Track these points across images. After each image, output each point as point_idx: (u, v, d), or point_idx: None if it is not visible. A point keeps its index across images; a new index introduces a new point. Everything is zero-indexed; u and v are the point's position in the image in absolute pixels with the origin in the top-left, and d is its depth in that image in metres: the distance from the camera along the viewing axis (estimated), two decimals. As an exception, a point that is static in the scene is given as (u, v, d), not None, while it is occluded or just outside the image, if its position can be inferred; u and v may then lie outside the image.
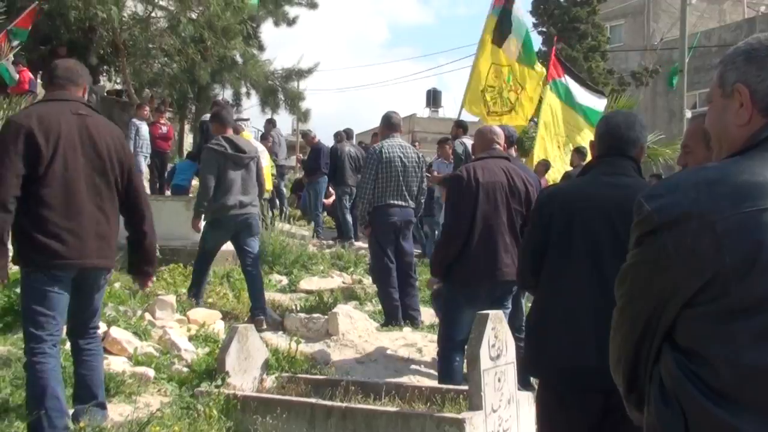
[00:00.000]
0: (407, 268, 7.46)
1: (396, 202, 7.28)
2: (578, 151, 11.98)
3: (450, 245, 5.15)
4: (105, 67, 18.69)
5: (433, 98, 39.88)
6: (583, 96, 12.64)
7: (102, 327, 5.58)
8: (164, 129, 13.45)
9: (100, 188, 4.12)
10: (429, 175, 9.44)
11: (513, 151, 6.47)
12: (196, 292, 7.20)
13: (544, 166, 11.60)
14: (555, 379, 3.01)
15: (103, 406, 4.25)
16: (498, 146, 5.39)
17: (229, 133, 7.18)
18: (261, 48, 20.03)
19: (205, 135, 10.64)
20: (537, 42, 32.77)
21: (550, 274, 3.10)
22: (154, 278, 5.19)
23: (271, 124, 15.37)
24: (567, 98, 12.39)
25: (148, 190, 12.85)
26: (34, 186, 3.86)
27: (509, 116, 10.89)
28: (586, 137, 11.90)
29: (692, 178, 1.53)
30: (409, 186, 7.36)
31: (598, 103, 12.81)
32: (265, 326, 6.89)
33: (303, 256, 9.82)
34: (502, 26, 10.93)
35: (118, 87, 19.27)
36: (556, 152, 12.23)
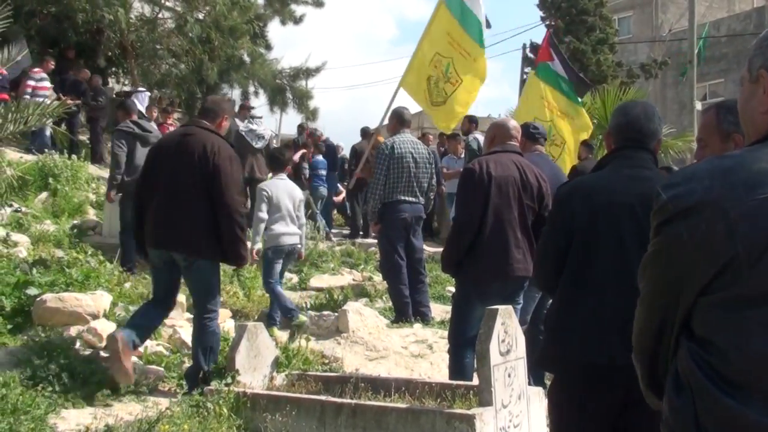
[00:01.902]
0: (417, 265, 7.44)
1: (406, 198, 7.25)
2: (586, 145, 11.95)
3: (461, 239, 5.09)
4: (113, 68, 18.74)
5: (442, 94, 39.79)
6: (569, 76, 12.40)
7: (111, 327, 5.61)
8: (171, 129, 13.46)
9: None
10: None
11: (541, 148, 6.33)
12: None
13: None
14: (576, 375, 2.96)
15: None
16: (515, 141, 5.28)
17: (134, 117, 8.45)
18: (268, 47, 20.03)
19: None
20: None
21: (573, 270, 3.03)
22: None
23: (302, 128, 14.88)
24: (556, 83, 12.16)
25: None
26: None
27: (442, 108, 10.74)
28: (569, 127, 11.88)
29: (708, 167, 1.53)
30: (420, 182, 7.33)
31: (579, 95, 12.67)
32: None
33: (313, 253, 9.82)
34: (455, 10, 10.65)
35: (127, 88, 19.31)
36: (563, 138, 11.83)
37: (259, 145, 11.53)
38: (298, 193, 7.42)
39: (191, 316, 6.59)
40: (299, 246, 7.41)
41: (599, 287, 2.92)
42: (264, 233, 7.14)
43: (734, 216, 1.42)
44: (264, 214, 7.09)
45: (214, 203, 5.10)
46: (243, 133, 11.61)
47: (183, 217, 5.09)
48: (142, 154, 7.66)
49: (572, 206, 3.06)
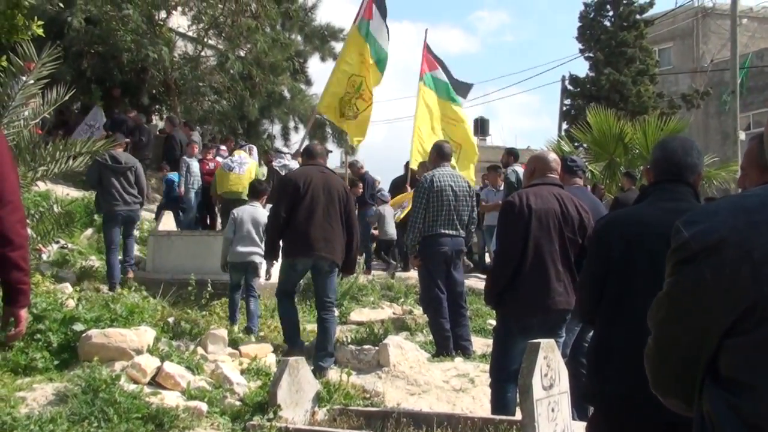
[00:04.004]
0: (458, 298, 7.40)
1: (447, 231, 7.23)
2: (628, 176, 11.90)
3: (502, 271, 5.08)
4: (157, 106, 19.13)
5: (481, 126, 39.82)
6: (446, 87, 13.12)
7: (155, 362, 5.66)
8: (211, 165, 13.64)
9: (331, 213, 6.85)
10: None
11: (579, 181, 6.30)
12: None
13: None
14: (615, 409, 2.93)
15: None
16: (554, 174, 5.24)
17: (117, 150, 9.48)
18: (308, 83, 20.35)
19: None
20: (584, 67, 32.72)
21: (610, 303, 3.03)
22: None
23: (355, 167, 14.76)
24: (441, 91, 12.86)
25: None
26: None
27: (354, 121, 11.73)
28: (460, 132, 12.84)
29: (731, 205, 1.50)
30: (460, 215, 7.32)
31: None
32: (132, 275, 9.36)
33: (353, 287, 9.83)
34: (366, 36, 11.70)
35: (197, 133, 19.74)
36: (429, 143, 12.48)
37: None
38: (261, 218, 8.18)
39: (233, 351, 6.64)
40: (257, 263, 8.23)
41: (636, 320, 2.89)
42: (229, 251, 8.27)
43: (758, 258, 1.39)
44: (230, 235, 8.28)
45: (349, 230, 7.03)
46: (277, 168, 12.43)
47: (336, 235, 6.88)
48: (116, 183, 9.35)
49: (609, 238, 3.07)
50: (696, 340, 1.51)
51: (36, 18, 7.95)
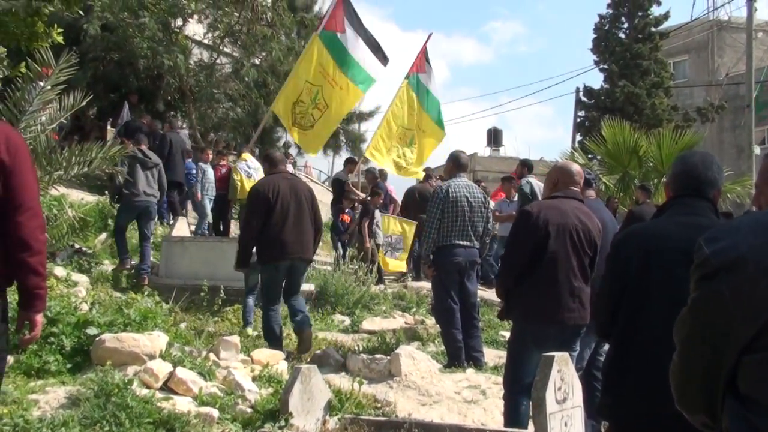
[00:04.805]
0: (471, 309, 7.37)
1: (461, 242, 7.22)
2: (643, 189, 11.84)
3: (506, 275, 5.09)
4: (172, 112, 19.22)
5: (494, 137, 39.87)
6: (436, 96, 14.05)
7: (167, 367, 5.67)
8: (224, 171, 13.71)
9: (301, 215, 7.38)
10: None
11: (592, 192, 6.26)
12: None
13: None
14: (631, 424, 2.91)
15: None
16: (577, 187, 5.18)
17: (142, 147, 10.39)
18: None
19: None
20: (598, 79, 32.74)
21: (627, 318, 3.01)
22: None
23: (372, 174, 14.74)
24: (421, 96, 13.67)
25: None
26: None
27: (310, 131, 11.98)
28: (427, 144, 13.90)
29: (751, 223, 1.50)
30: (475, 226, 7.30)
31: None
32: (146, 282, 9.58)
33: (365, 296, 9.82)
34: (331, 48, 11.96)
35: (185, 131, 19.79)
36: (395, 143, 13.46)
37: None
38: None
39: (245, 357, 6.65)
40: None
41: (652, 336, 2.89)
42: None
43: None
44: None
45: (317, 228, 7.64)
46: None
47: (308, 235, 7.44)
48: (142, 175, 10.09)
49: (626, 253, 3.06)
50: (717, 356, 1.51)
51: (55, 25, 7.99)
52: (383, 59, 12.47)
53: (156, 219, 11.10)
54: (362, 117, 19.40)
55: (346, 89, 12.04)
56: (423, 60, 13.96)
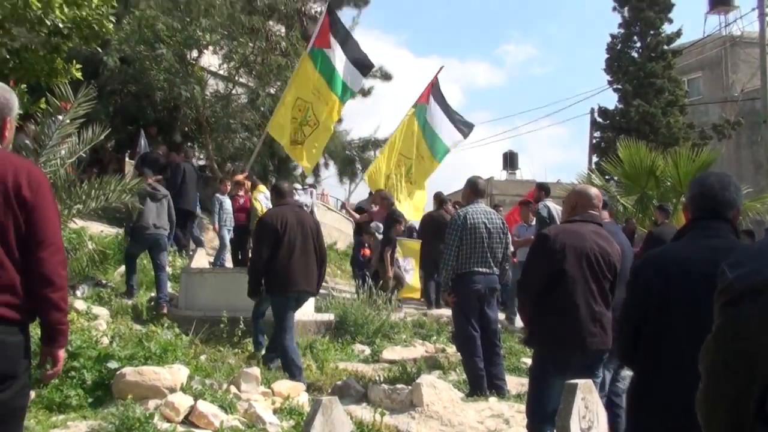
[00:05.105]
0: (492, 336, 7.32)
1: (480, 269, 7.19)
2: (661, 209, 11.78)
3: (523, 299, 5.07)
4: (189, 144, 19.34)
5: (510, 160, 39.83)
6: (443, 127, 14.31)
7: (188, 400, 5.66)
8: (242, 201, 13.77)
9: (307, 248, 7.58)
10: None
11: (607, 215, 6.21)
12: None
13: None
14: None
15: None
16: (596, 210, 5.12)
17: (150, 180, 10.69)
18: (338, 119, 20.43)
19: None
20: (613, 100, 32.73)
21: (650, 343, 2.98)
22: None
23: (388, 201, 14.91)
24: (424, 126, 14.04)
25: (230, 263, 13.15)
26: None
27: (300, 147, 12.45)
28: (426, 168, 14.30)
29: None
30: (493, 252, 7.28)
31: (454, 138, 14.59)
32: (165, 311, 9.68)
33: (385, 325, 9.77)
34: (320, 65, 12.40)
35: (202, 162, 19.90)
36: (393, 170, 13.84)
37: None
38: None
39: (266, 389, 6.63)
40: None
41: (676, 361, 2.86)
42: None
43: None
44: None
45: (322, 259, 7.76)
46: None
47: (313, 268, 7.60)
48: (152, 207, 10.33)
49: (646, 278, 3.04)
50: (744, 383, 1.48)
51: (74, 61, 8.09)
52: (365, 68, 12.99)
53: (168, 249, 11.17)
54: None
55: (332, 104, 12.51)
56: (432, 90, 14.20)
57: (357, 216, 13.97)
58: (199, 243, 13.75)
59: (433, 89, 14.36)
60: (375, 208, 14.03)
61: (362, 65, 12.88)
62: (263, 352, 8.05)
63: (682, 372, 2.79)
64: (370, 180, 13.99)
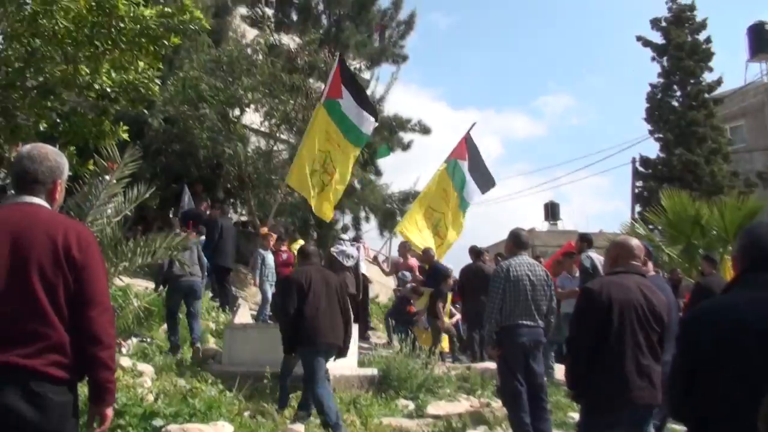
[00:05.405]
0: (538, 391, 7.19)
1: (525, 322, 7.11)
2: (708, 259, 11.55)
3: (575, 360, 4.93)
4: (231, 200, 19.59)
5: (552, 211, 39.58)
6: (471, 184, 14.58)
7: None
8: (285, 256, 13.87)
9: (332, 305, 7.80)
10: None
11: (651, 266, 6.12)
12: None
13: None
14: None
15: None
16: (638, 261, 5.06)
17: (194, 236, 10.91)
18: (378, 173, 20.60)
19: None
20: (654, 149, 32.60)
21: (703, 399, 2.90)
22: None
23: (428, 254, 14.35)
24: (456, 181, 14.30)
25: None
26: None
27: (320, 195, 12.57)
28: (455, 221, 14.44)
29: None
30: (538, 305, 7.20)
31: (478, 194, 14.90)
32: (199, 346, 10.23)
33: (429, 379, 9.66)
34: (333, 115, 12.66)
35: (244, 218, 20.12)
36: (421, 221, 14.02)
37: (349, 263, 12.95)
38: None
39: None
40: None
41: (730, 417, 2.77)
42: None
43: None
44: None
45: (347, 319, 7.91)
46: (334, 254, 12.99)
47: (339, 323, 7.76)
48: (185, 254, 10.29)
49: (697, 331, 2.98)
50: None
51: (121, 122, 8.31)
52: (374, 114, 13.22)
53: (201, 297, 11.30)
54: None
55: (347, 152, 12.79)
56: (464, 147, 14.37)
57: (386, 270, 14.16)
58: (232, 299, 13.90)
59: (468, 144, 14.54)
60: (401, 260, 14.27)
61: (372, 111, 13.21)
62: (286, 412, 7.98)
63: (735, 426, 2.71)
64: (403, 234, 14.19)
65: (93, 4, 7.86)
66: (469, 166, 14.53)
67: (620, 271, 4.98)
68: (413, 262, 15.01)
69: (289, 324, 7.67)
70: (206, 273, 11.56)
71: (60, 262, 3.01)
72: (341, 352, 7.93)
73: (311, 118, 13.15)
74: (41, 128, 8.20)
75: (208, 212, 15.12)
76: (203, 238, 13.27)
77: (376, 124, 13.86)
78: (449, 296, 13.67)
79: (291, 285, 7.84)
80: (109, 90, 8.19)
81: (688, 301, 9.41)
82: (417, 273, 14.54)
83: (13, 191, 3.36)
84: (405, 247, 14.96)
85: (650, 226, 19.13)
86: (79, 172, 8.33)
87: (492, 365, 9.54)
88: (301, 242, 13.34)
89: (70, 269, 3.02)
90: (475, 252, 13.32)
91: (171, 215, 16.80)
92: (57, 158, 3.30)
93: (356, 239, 16.27)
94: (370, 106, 13.16)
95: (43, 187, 3.23)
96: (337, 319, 7.79)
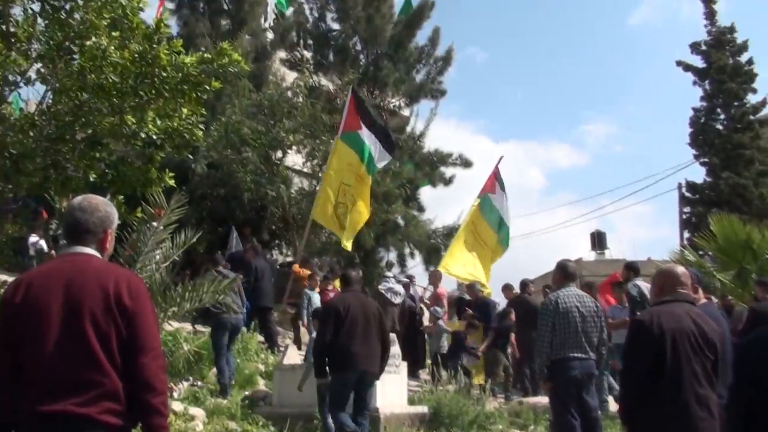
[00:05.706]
0: (593, 425, 7.05)
1: (576, 354, 7.01)
2: (762, 284, 11.32)
3: (629, 394, 4.82)
4: (276, 241, 19.74)
5: (598, 240, 38.97)
6: (508, 215, 14.98)
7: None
8: (332, 295, 13.89)
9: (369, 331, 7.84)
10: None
11: (701, 294, 5.99)
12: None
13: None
14: None
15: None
16: (685, 289, 4.95)
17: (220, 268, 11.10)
18: (421, 209, 20.64)
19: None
20: (700, 173, 32.04)
21: (759, 427, 2.83)
22: None
23: (474, 290, 14.52)
24: (490, 216, 14.68)
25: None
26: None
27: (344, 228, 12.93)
28: (490, 256, 14.77)
29: None
30: (588, 337, 7.10)
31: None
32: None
33: (480, 415, 9.55)
34: (352, 145, 13.09)
35: (290, 259, 20.24)
36: (460, 253, 14.39)
37: (396, 300, 13.32)
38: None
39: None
40: None
41: None
42: None
43: None
44: None
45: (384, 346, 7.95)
46: (382, 291, 13.26)
47: (375, 350, 7.80)
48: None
49: (755, 359, 2.90)
50: None
51: (167, 169, 8.46)
52: (391, 149, 13.64)
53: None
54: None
55: (366, 181, 13.22)
56: (494, 181, 14.57)
57: (426, 303, 14.48)
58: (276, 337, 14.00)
59: (497, 178, 14.75)
60: (430, 291, 14.44)
61: (390, 145, 13.58)
62: None
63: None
64: (447, 271, 14.47)
65: (136, 55, 8.07)
66: (495, 200, 14.88)
67: (668, 300, 4.87)
68: (442, 290, 15.24)
69: (322, 349, 7.78)
70: (244, 309, 11.63)
71: (112, 310, 3.06)
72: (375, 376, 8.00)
73: (330, 154, 13.58)
74: (90, 179, 8.38)
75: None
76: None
77: (391, 159, 14.36)
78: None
79: (329, 312, 7.95)
80: (154, 137, 8.36)
81: (743, 327, 9.19)
82: (444, 302, 14.88)
83: (65, 242, 3.44)
84: (435, 276, 15.21)
85: (700, 252, 18.77)
86: (127, 220, 8.48)
87: (544, 399, 9.39)
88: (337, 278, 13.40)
89: (121, 317, 3.07)
90: (522, 284, 13.33)
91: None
92: (107, 208, 3.38)
93: (409, 278, 16.36)
94: (386, 137, 13.52)
95: (94, 237, 3.30)
96: (373, 347, 7.83)
